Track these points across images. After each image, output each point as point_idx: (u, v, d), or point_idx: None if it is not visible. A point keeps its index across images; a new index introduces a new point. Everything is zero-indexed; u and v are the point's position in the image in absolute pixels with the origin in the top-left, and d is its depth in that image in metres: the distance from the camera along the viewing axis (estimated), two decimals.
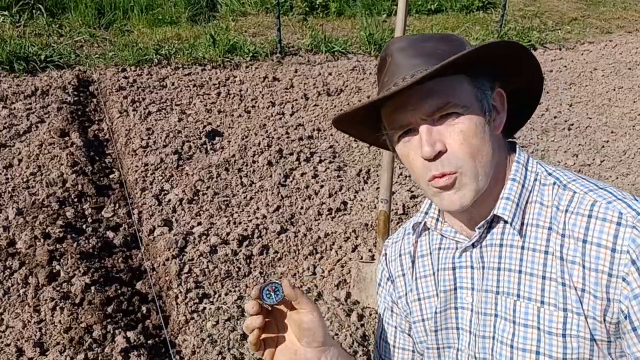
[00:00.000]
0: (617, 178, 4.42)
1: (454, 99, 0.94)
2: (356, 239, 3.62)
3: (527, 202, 1.00)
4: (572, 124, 5.25)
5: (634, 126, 5.23)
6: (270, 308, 0.99)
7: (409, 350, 1.23)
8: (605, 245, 0.90)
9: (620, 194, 0.94)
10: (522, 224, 1.00)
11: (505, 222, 1.00)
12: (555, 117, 5.38)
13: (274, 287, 0.96)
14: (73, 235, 3.37)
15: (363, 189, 4.19)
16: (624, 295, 0.88)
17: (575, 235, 0.93)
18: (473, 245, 1.04)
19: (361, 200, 4.05)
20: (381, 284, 1.27)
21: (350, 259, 3.45)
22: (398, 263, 1.21)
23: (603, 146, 4.91)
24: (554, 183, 1.00)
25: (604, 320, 0.91)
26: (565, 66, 6.61)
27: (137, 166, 4.10)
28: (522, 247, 0.99)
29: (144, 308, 2.98)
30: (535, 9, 8.50)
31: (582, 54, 7.00)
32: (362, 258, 3.40)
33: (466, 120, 0.95)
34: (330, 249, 3.54)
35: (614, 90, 5.95)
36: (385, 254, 1.26)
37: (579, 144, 4.90)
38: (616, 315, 0.90)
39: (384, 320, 1.26)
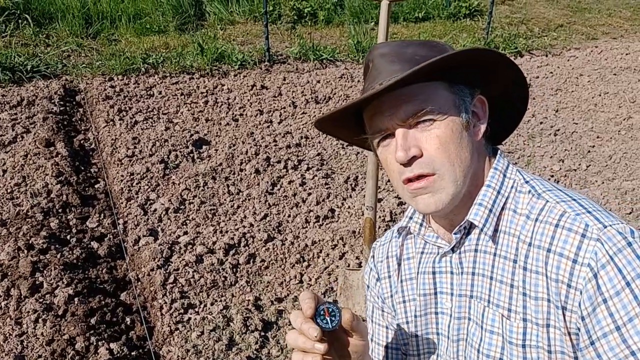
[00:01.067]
0: (603, 183, 4.45)
1: (429, 105, 0.94)
2: (344, 247, 3.61)
3: (502, 209, 1.00)
4: (559, 130, 5.29)
5: (619, 131, 5.27)
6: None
7: (402, 352, 1.22)
8: (567, 255, 0.89)
9: (592, 206, 0.92)
10: (496, 230, 0.99)
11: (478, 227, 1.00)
12: (541, 123, 5.42)
13: (330, 310, 0.87)
14: (57, 246, 3.33)
15: (351, 196, 4.19)
16: (581, 309, 0.87)
17: (542, 245, 0.92)
18: (452, 251, 1.05)
19: (349, 207, 4.04)
20: (370, 285, 1.27)
21: (337, 266, 3.44)
22: (385, 265, 1.21)
23: (589, 151, 4.94)
24: (529, 191, 0.99)
25: (569, 332, 0.91)
26: (552, 72, 6.67)
27: (122, 176, 4.07)
28: (494, 254, 0.99)
29: (128, 319, 2.94)
30: (521, 16, 8.58)
31: (568, 60, 7.07)
32: (349, 265, 3.39)
33: (442, 125, 0.95)
34: (318, 257, 3.53)
35: (600, 95, 6.01)
36: (373, 256, 1.27)
37: (565, 150, 4.93)
38: (574, 326, 0.90)
39: (375, 321, 1.26)
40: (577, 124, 5.44)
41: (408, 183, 0.97)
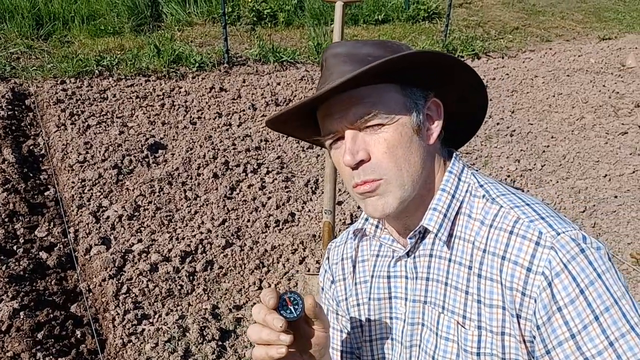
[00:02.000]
0: (558, 182, 4.55)
1: (378, 108, 0.92)
2: (304, 251, 3.57)
3: (457, 214, 0.98)
4: (514, 130, 5.39)
5: (572, 131, 5.41)
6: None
7: (356, 355, 1.19)
8: (521, 264, 0.87)
9: (545, 212, 0.91)
10: (450, 235, 0.97)
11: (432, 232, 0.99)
12: (498, 124, 5.51)
13: (292, 300, 0.86)
14: (2, 257, 3.17)
15: (311, 200, 4.15)
16: (536, 317, 0.86)
17: (497, 252, 0.91)
18: (407, 255, 1.03)
19: (309, 210, 4.00)
20: (325, 287, 1.24)
21: (297, 271, 3.39)
22: (340, 267, 1.19)
23: (544, 151, 5.05)
24: (484, 196, 0.97)
25: (524, 340, 0.89)
26: (508, 74, 6.80)
27: (73, 182, 3.92)
28: (449, 260, 0.97)
29: (78, 332, 2.82)
30: (478, 19, 8.74)
31: (524, 62, 7.23)
32: (309, 270, 3.35)
33: (391, 129, 0.93)
34: (277, 262, 3.48)
35: (554, 96, 6.16)
36: (328, 257, 1.24)
37: (521, 150, 5.03)
38: (529, 334, 0.88)
39: (330, 324, 1.22)
40: (532, 124, 5.55)
41: (356, 187, 0.95)
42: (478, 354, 0.93)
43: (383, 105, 0.92)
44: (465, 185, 1.00)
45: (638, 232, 3.84)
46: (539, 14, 9.30)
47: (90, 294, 3.08)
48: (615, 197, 4.30)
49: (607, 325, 0.81)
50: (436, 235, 0.97)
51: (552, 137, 5.29)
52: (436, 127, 1.00)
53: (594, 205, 4.22)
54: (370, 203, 0.96)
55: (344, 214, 3.93)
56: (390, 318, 1.07)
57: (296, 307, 0.86)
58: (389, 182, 0.93)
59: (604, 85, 6.41)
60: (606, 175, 4.62)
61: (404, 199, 0.95)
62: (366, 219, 1.12)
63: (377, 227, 1.10)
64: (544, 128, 5.47)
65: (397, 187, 0.93)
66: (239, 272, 3.36)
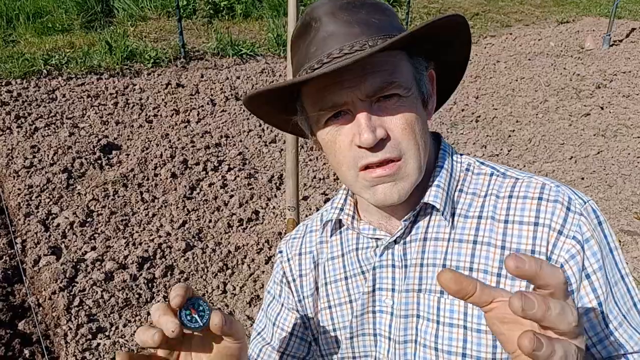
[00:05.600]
0: (525, 166, 4.52)
1: (397, 77, 0.81)
2: (269, 250, 3.41)
3: (455, 192, 0.92)
4: (479, 116, 5.34)
5: (537, 114, 5.40)
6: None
7: (300, 359, 1.07)
8: (554, 227, 0.83)
9: (559, 182, 0.91)
10: (453, 214, 0.90)
11: (434, 211, 0.90)
12: (462, 110, 5.45)
13: (197, 309, 0.73)
14: None
15: (276, 196, 4.00)
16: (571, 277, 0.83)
17: (525, 220, 0.85)
18: (395, 242, 0.92)
19: (274, 207, 3.85)
20: (274, 286, 1.10)
21: (263, 272, 3.24)
22: (297, 262, 1.07)
23: (509, 136, 5.01)
24: (492, 173, 0.92)
25: None
26: (470, 60, 6.76)
27: (19, 189, 3.66)
28: (448, 240, 0.89)
29: (27, 351, 2.60)
30: (438, 6, 8.70)
31: (485, 48, 7.21)
32: None
33: (407, 103, 0.82)
34: (242, 263, 3.32)
35: (517, 80, 6.15)
36: (281, 252, 1.11)
37: (487, 135, 4.98)
38: None
39: (278, 324, 1.08)
40: (496, 109, 5.52)
41: (367, 170, 0.83)
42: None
43: (400, 75, 0.82)
44: (459, 165, 0.94)
45: (606, 213, 3.82)
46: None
47: (40, 308, 2.85)
48: (582, 179, 4.29)
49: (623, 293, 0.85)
50: (442, 213, 0.88)
51: (517, 122, 5.27)
52: (433, 102, 0.92)
53: None
54: (382, 189, 0.84)
55: (310, 209, 3.79)
56: (373, 312, 0.95)
57: (201, 317, 0.72)
58: (407, 162, 0.83)
59: (564, 68, 6.44)
60: (572, 157, 4.61)
61: (415, 183, 0.86)
62: (340, 209, 0.99)
63: (353, 217, 0.98)
64: (508, 113, 5.44)
65: (415, 169, 0.84)
66: (201, 276, 3.19)
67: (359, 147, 0.81)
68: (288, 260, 1.08)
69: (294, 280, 1.07)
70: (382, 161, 0.82)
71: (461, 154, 0.98)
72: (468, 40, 0.89)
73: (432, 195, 0.88)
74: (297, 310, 1.07)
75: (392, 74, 0.80)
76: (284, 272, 1.08)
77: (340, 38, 0.80)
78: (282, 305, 1.08)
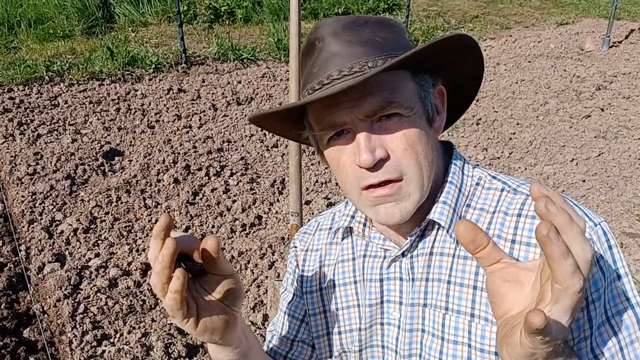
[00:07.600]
0: (526, 169, 4.53)
1: (398, 97, 0.81)
2: (273, 255, 3.42)
3: (463, 208, 0.91)
4: (480, 119, 5.35)
5: (537, 117, 5.41)
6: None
7: (309, 346, 1.09)
8: None
9: (573, 200, 0.87)
10: None
11: (440, 228, 0.90)
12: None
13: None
14: None
15: (278, 200, 4.01)
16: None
17: (533, 242, 0.82)
18: (403, 255, 0.93)
19: (276, 212, 3.86)
20: (287, 276, 1.13)
21: (266, 277, 3.25)
22: (304, 258, 1.10)
23: (510, 138, 5.02)
24: (503, 189, 0.90)
25: None
26: None
27: (23, 196, 3.67)
28: (454, 255, 0.88)
29: (32, 359, 2.62)
30: (438, 9, 8.71)
31: (485, 50, 7.22)
32: (278, 276, 3.21)
33: (410, 123, 0.82)
34: (246, 269, 3.33)
35: (517, 83, 6.16)
36: (296, 246, 1.13)
37: (488, 138, 4.99)
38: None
39: (288, 312, 1.10)
40: (497, 112, 5.53)
41: (369, 189, 0.83)
42: (497, 353, 0.82)
43: (401, 94, 0.81)
44: (469, 179, 0.93)
45: (608, 216, 3.83)
46: (497, 1, 9.35)
47: (45, 315, 2.86)
48: (584, 181, 4.30)
49: (618, 329, 0.81)
50: (447, 230, 0.88)
51: (517, 124, 5.28)
52: (442, 119, 0.91)
53: (563, 191, 4.20)
54: (384, 210, 0.84)
55: (313, 213, 3.80)
56: (382, 324, 0.96)
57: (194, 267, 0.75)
58: (409, 182, 0.82)
59: (564, 70, 6.45)
60: (573, 159, 4.62)
61: (419, 202, 0.85)
62: (352, 217, 1.01)
63: (364, 225, 0.99)
64: (509, 115, 5.45)
65: (417, 188, 0.83)
66: None
67: (360, 167, 0.82)
68: (302, 252, 1.10)
69: (305, 272, 1.09)
70: (382, 182, 0.82)
71: (474, 166, 0.97)
72: (475, 56, 0.88)
73: (438, 212, 0.88)
74: (303, 298, 1.09)
75: (393, 93, 0.80)
76: (297, 264, 1.11)
77: (341, 59, 0.81)
78: (293, 293, 1.10)
